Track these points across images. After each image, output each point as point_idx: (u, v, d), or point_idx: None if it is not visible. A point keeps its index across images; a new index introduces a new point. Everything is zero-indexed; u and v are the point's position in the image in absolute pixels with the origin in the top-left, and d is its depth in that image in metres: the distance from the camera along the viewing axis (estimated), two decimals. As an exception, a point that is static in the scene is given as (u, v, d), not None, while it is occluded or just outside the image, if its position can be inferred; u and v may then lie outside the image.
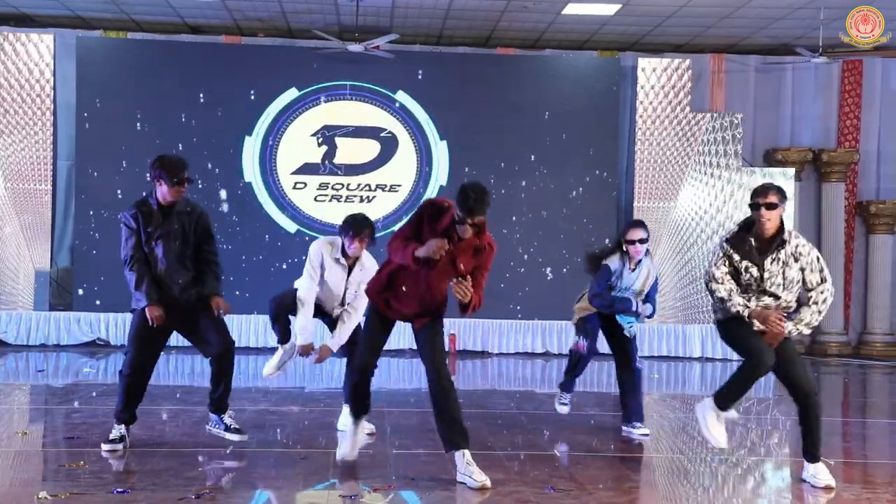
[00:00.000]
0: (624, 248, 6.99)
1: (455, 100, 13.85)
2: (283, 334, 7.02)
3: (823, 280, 5.66)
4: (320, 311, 6.92)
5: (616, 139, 14.17)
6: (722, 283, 5.55)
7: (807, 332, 5.68)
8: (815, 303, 5.61)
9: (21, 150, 13.41)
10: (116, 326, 13.08)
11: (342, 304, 6.84)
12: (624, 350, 7.23)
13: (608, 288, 6.99)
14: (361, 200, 13.59)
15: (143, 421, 7.22)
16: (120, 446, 6.13)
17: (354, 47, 12.74)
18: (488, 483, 5.33)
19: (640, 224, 7.09)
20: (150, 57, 13.68)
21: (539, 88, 13.92)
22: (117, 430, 6.21)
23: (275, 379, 7.55)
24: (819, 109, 14.84)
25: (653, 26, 13.54)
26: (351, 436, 5.89)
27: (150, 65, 13.58)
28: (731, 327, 5.65)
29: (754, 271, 5.51)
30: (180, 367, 11.18)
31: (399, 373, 11.21)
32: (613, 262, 6.98)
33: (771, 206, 5.49)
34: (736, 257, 5.54)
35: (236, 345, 6.55)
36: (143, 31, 14.11)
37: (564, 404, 7.56)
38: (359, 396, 5.87)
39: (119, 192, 13.30)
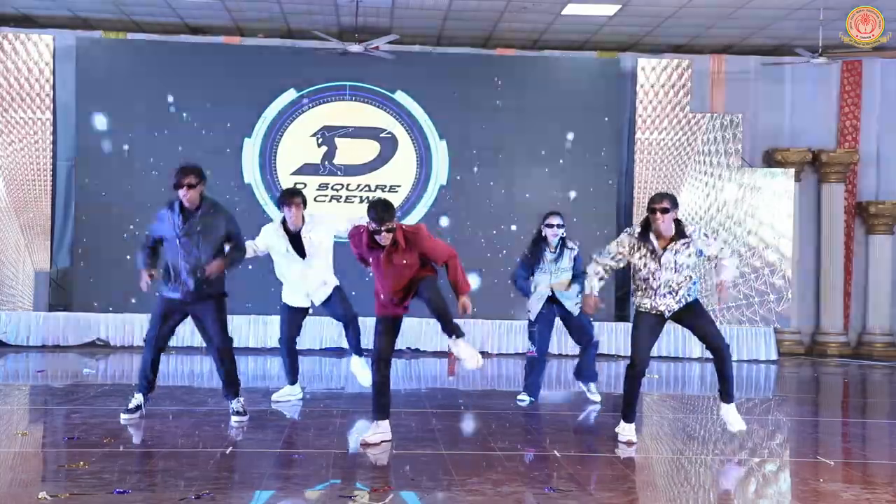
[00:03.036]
0: (542, 234, 8.25)
1: (455, 100, 13.85)
2: (293, 374, 8.22)
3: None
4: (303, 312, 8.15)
5: (616, 139, 14.17)
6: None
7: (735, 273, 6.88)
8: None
9: (21, 150, 13.41)
10: (116, 327, 13.08)
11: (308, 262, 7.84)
12: (581, 330, 8.45)
13: (528, 272, 8.29)
14: (361, 201, 13.59)
15: (143, 421, 7.23)
16: (137, 415, 7.13)
17: (354, 48, 12.73)
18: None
19: (556, 213, 8.38)
20: (150, 57, 13.68)
21: (539, 89, 13.92)
22: (136, 399, 7.19)
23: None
24: (819, 110, 14.83)
25: (652, 27, 13.54)
26: (375, 428, 6.53)
27: (150, 65, 13.57)
28: (634, 320, 6.79)
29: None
30: (180, 368, 11.18)
31: (399, 373, 11.22)
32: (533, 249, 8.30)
33: (664, 211, 6.43)
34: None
35: (236, 345, 6.81)
36: (143, 32, 14.11)
37: (522, 401, 8.43)
38: (379, 393, 6.54)
39: (119, 192, 13.32)
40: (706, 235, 6.63)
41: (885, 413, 9.77)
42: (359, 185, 13.78)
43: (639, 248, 6.59)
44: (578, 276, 8.19)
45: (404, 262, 6.33)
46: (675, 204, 6.48)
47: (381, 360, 6.51)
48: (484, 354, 13.21)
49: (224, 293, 7.19)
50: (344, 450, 6.47)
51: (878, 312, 14.69)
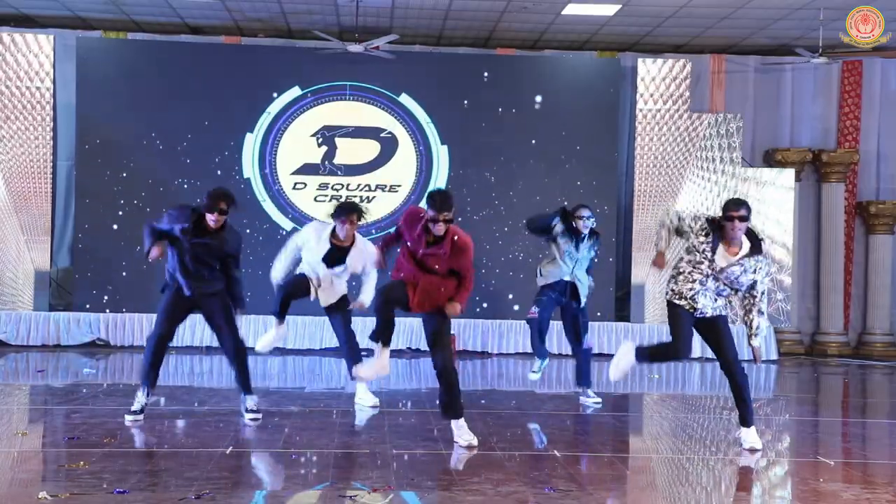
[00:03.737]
0: (574, 225, 8.27)
1: (455, 100, 13.85)
2: (282, 314, 7.95)
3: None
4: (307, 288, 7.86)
5: (616, 139, 14.17)
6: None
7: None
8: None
9: (21, 150, 13.41)
10: (116, 326, 13.07)
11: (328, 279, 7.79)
12: (575, 331, 8.39)
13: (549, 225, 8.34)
14: (361, 201, 13.57)
15: (143, 421, 7.23)
16: (140, 417, 7.10)
17: (354, 48, 12.74)
18: (474, 442, 6.31)
19: (585, 205, 8.44)
20: (150, 57, 13.68)
21: (539, 89, 13.92)
22: (139, 402, 7.15)
23: (266, 351, 8.25)
24: (819, 110, 14.83)
25: (652, 27, 13.54)
26: (376, 358, 6.48)
27: (150, 65, 13.57)
28: (671, 310, 6.51)
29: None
30: (180, 368, 11.18)
31: (399, 373, 11.22)
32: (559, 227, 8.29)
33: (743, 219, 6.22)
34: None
35: None
36: (143, 32, 14.11)
37: (535, 372, 8.52)
38: (384, 322, 6.41)
39: (119, 192, 13.32)
40: (767, 265, 6.40)
41: (885, 413, 9.77)
42: (359, 185, 13.78)
43: (708, 237, 6.31)
44: (591, 267, 8.46)
45: (436, 267, 6.23)
46: (750, 212, 6.23)
47: (386, 300, 6.36)
48: (484, 354, 13.27)
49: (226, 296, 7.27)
50: (344, 450, 6.47)
51: (878, 312, 14.68)
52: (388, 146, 13.83)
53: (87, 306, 13.21)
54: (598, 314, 13.43)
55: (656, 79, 14.06)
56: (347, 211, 7.59)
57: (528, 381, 8.91)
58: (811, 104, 14.81)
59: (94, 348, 12.91)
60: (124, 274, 13.28)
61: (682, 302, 6.43)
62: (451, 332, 6.74)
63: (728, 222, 6.18)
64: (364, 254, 7.71)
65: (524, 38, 14.30)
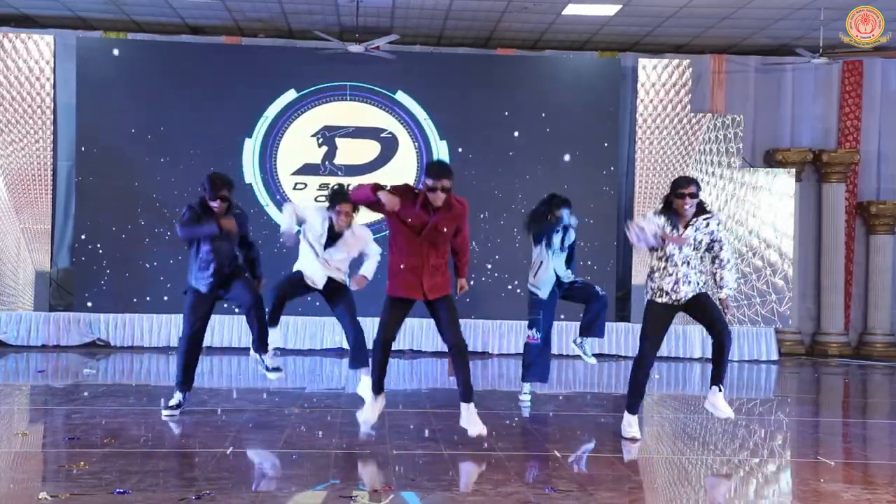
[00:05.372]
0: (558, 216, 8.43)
1: (455, 101, 13.85)
2: (274, 319, 7.92)
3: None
4: (306, 287, 7.94)
5: (616, 140, 14.16)
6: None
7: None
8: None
9: (21, 150, 13.41)
10: (116, 327, 13.08)
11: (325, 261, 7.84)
12: (585, 289, 8.50)
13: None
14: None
15: (143, 421, 7.24)
16: (177, 412, 7.37)
17: (355, 48, 12.74)
18: (484, 432, 6.36)
19: (568, 206, 8.62)
20: (151, 58, 13.68)
21: (539, 89, 13.91)
22: (176, 398, 7.43)
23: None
24: (819, 110, 14.83)
25: (653, 27, 13.54)
26: (371, 404, 6.59)
27: (150, 65, 13.57)
28: (650, 309, 6.78)
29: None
30: (180, 368, 11.16)
31: (399, 374, 11.22)
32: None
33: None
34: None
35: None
36: (144, 32, 14.11)
37: (525, 397, 8.54)
38: (379, 369, 6.50)
39: (119, 192, 13.31)
40: (721, 226, 6.79)
41: (885, 413, 9.76)
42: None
43: (668, 221, 6.67)
44: (572, 258, 8.60)
45: (445, 230, 6.25)
46: (699, 188, 6.66)
47: (383, 341, 6.37)
48: (484, 354, 13.27)
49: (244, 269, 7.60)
50: (344, 450, 6.46)
51: (878, 312, 14.67)
52: (389, 146, 13.83)
53: (88, 306, 13.22)
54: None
55: (657, 79, 14.05)
56: (341, 201, 7.63)
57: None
58: (812, 104, 14.81)
59: (94, 348, 12.91)
60: (124, 274, 13.28)
61: (664, 299, 6.69)
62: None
63: (679, 199, 6.58)
64: (359, 239, 7.89)
65: (524, 39, 14.30)
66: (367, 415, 6.61)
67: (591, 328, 8.54)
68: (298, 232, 7.85)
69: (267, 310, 7.83)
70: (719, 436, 7.28)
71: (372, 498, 5.09)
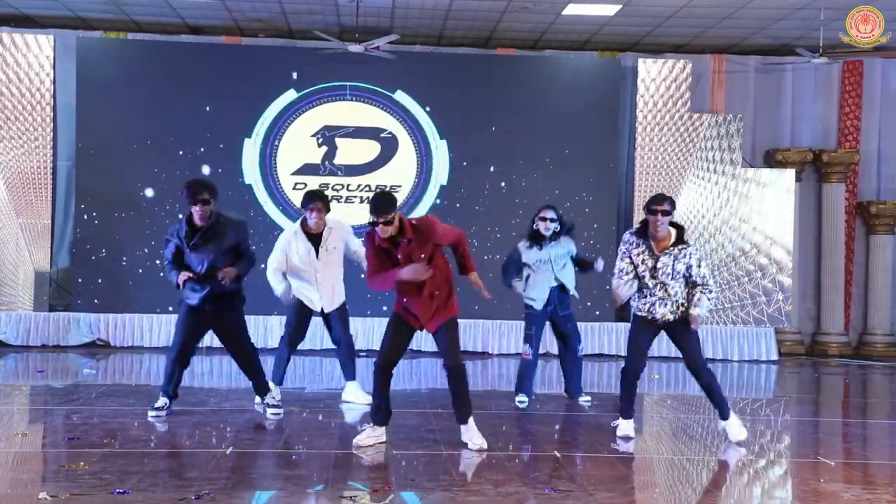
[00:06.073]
0: (536, 228, 8.30)
1: (455, 101, 13.84)
2: (280, 375, 8.25)
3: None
4: (309, 312, 8.14)
5: (616, 140, 14.16)
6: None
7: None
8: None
9: (21, 150, 13.41)
10: (116, 327, 13.07)
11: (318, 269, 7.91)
12: (566, 334, 8.59)
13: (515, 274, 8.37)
14: (361, 201, 13.58)
15: (143, 421, 7.23)
16: (164, 413, 7.33)
17: (355, 48, 12.73)
18: (485, 446, 6.30)
19: (551, 206, 8.50)
20: (151, 58, 13.68)
21: (539, 89, 13.91)
22: (161, 401, 7.39)
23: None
24: (819, 110, 14.83)
25: (653, 27, 13.54)
26: (368, 433, 6.47)
27: (150, 65, 13.57)
28: (634, 322, 6.91)
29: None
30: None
31: (398, 374, 11.19)
32: (522, 245, 8.37)
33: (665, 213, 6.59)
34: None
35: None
36: (144, 32, 14.11)
37: (522, 402, 8.41)
38: (377, 394, 6.44)
39: (119, 192, 13.31)
40: (700, 259, 6.78)
41: (885, 413, 9.76)
42: (359, 186, 13.77)
43: (638, 245, 6.73)
44: (576, 260, 8.60)
45: (422, 256, 6.11)
46: (673, 206, 6.66)
47: (382, 366, 6.37)
48: (484, 355, 13.27)
49: (240, 292, 7.49)
50: (344, 450, 6.46)
51: (878, 312, 14.68)
52: (389, 146, 13.83)
53: (88, 305, 13.22)
54: (598, 314, 13.44)
55: (657, 79, 14.06)
56: (312, 198, 7.75)
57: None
58: (812, 104, 14.81)
59: (94, 348, 12.91)
60: (124, 274, 13.28)
61: (645, 314, 6.80)
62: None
63: (652, 216, 6.60)
64: (340, 230, 7.94)
65: (525, 39, 14.30)
66: (363, 440, 6.43)
67: (570, 391, 8.80)
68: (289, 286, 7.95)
69: (283, 342, 8.22)
70: (719, 436, 7.28)
71: (372, 498, 5.09)
